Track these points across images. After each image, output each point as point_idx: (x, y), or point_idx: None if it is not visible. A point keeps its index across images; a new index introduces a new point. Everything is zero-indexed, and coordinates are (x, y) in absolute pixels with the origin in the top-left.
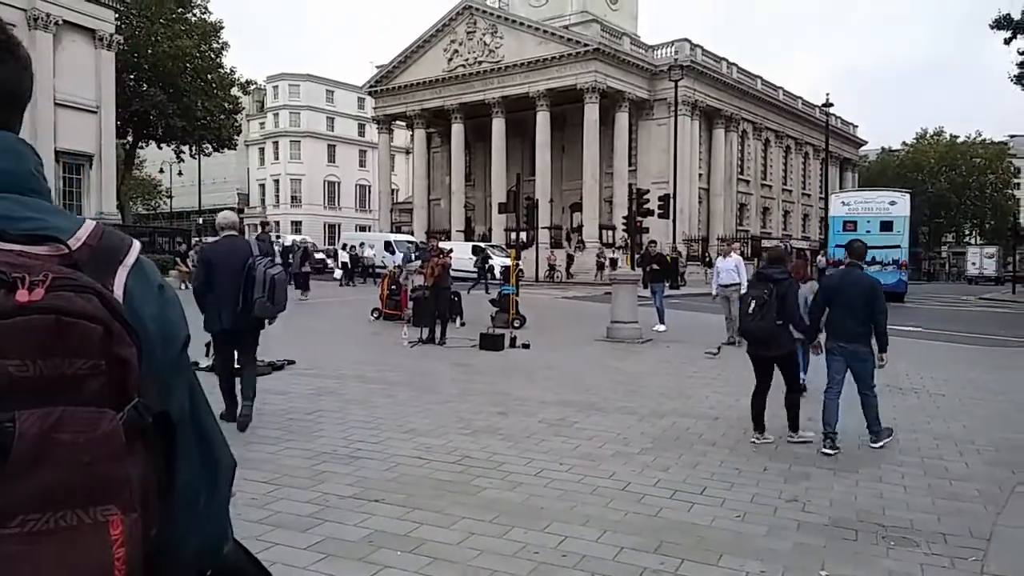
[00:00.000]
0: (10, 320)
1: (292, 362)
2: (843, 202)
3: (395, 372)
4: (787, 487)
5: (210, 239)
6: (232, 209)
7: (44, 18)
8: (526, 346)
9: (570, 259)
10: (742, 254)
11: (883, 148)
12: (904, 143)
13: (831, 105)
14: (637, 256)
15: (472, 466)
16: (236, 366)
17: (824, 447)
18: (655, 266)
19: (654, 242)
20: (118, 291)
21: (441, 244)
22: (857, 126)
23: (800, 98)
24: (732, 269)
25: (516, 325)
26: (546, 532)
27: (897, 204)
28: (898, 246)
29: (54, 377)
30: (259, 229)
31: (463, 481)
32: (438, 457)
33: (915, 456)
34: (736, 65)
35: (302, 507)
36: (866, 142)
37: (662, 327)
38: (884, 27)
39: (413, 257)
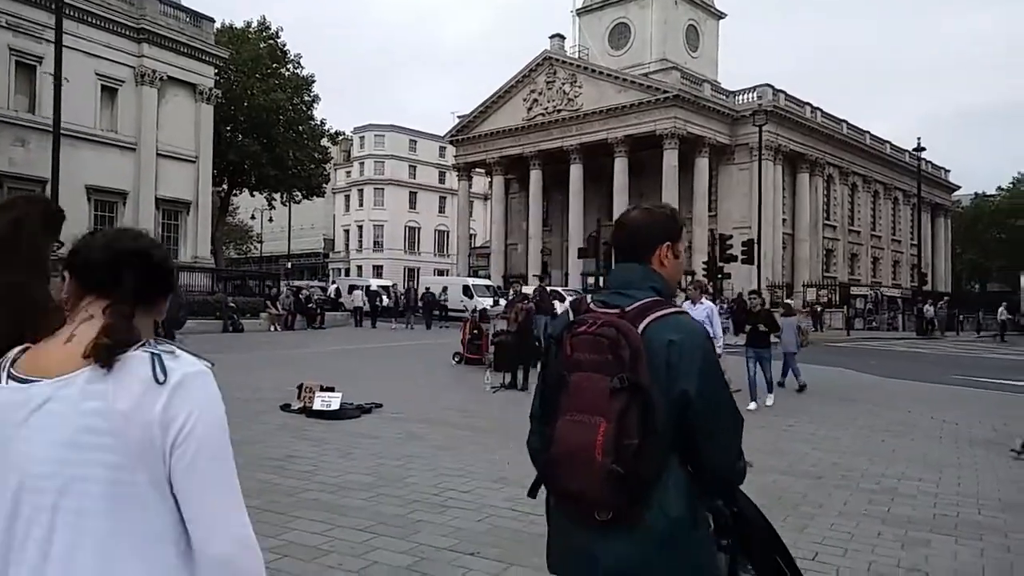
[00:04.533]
0: (580, 337)
1: (379, 405)
2: None
3: (480, 418)
4: (905, 554)
5: (298, 283)
6: (317, 255)
7: (150, 74)
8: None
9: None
10: (781, 304)
11: (977, 194)
12: (1000, 188)
13: (923, 149)
14: (729, 305)
15: None
16: None
17: None
18: (761, 326)
19: (756, 293)
20: (639, 328)
21: (524, 289)
22: (949, 171)
23: (888, 142)
24: (703, 320)
25: None
26: None
27: None
28: None
29: (596, 360)
30: (539, 281)
31: None
32: (530, 510)
33: None
34: (820, 109)
35: (400, 558)
36: (958, 187)
37: (770, 399)
38: (975, 69)
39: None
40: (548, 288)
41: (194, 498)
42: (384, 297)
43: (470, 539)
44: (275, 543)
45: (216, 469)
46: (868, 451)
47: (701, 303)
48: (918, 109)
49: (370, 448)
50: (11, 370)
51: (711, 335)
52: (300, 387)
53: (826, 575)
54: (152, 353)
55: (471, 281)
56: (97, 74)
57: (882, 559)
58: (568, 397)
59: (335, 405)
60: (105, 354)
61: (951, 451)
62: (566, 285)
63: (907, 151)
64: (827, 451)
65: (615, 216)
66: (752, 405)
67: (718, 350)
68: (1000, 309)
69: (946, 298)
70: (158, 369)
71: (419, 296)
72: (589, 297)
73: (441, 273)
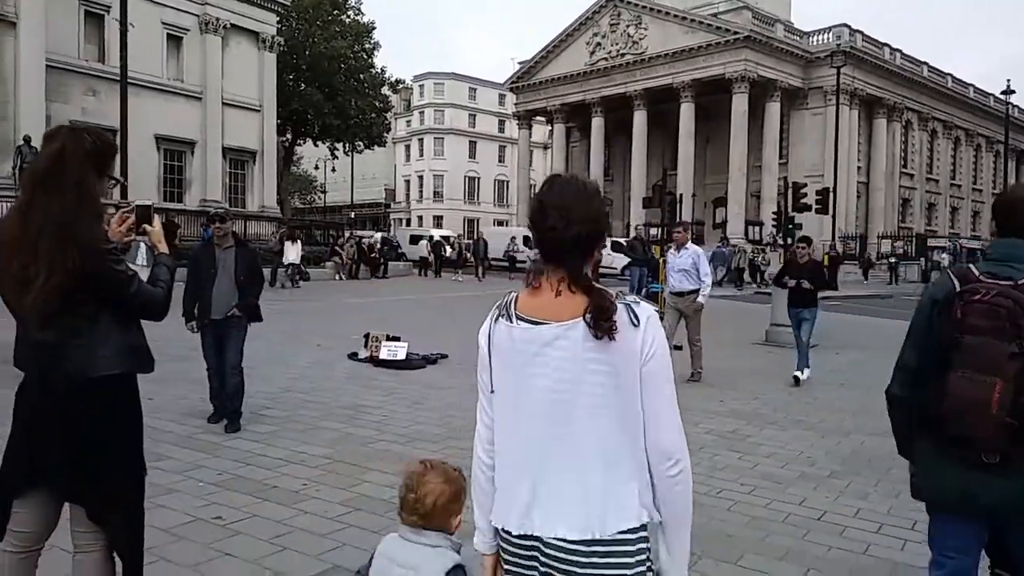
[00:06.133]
0: (974, 304)
1: (445, 356)
2: None
3: None
4: None
5: (360, 233)
6: (379, 205)
7: (214, 22)
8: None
9: None
10: (793, 246)
11: None
12: None
13: (1012, 92)
14: (778, 261)
15: None
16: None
17: None
18: (804, 283)
19: (805, 241)
20: None
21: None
22: None
23: (972, 85)
24: (689, 266)
25: (665, 325)
26: (740, 565)
27: None
28: None
29: (991, 326)
30: (633, 230)
31: None
32: None
33: None
34: (900, 51)
35: (472, 513)
36: None
37: (805, 374)
38: None
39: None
40: (639, 236)
41: (654, 402)
42: (447, 247)
43: None
44: (347, 495)
45: (667, 383)
46: None
47: (686, 248)
48: (1004, 48)
49: (438, 399)
50: (517, 313)
51: (697, 285)
52: (367, 336)
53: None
54: (626, 304)
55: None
56: (162, 23)
57: None
58: (960, 356)
59: (401, 355)
60: (607, 332)
61: None
62: (627, 235)
63: (992, 95)
64: None
65: (680, 163)
66: (802, 374)
67: (701, 298)
68: None
69: None
70: (633, 316)
71: (485, 247)
72: (974, 266)
73: (500, 223)
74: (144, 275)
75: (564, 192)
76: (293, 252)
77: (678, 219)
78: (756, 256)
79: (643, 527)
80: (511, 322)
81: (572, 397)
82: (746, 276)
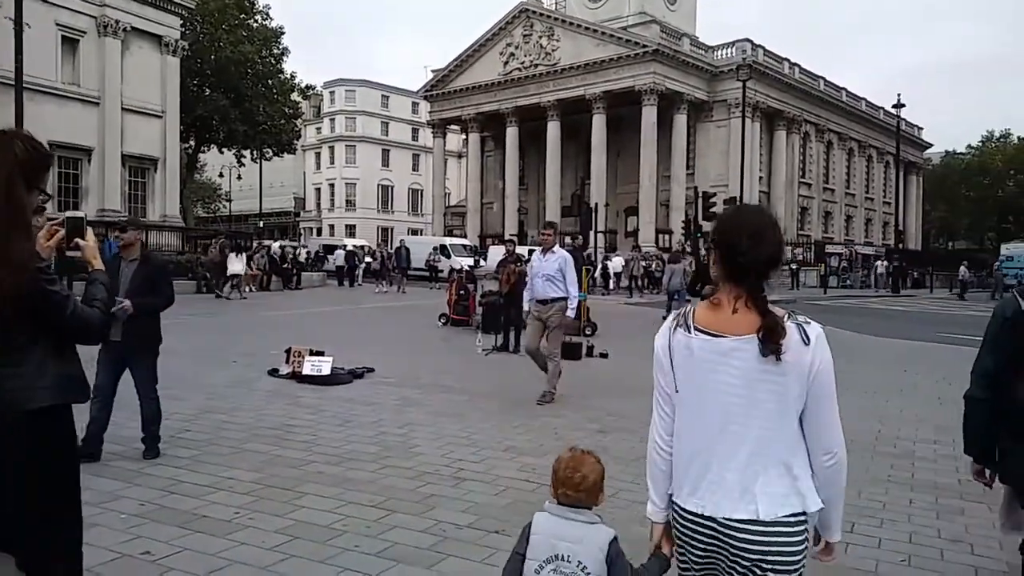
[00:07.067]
0: None
1: (371, 369)
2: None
3: (476, 382)
4: (943, 524)
5: (268, 242)
6: (288, 214)
7: (113, 25)
8: (604, 355)
9: None
10: (680, 251)
11: (947, 151)
12: (969, 146)
13: (902, 106)
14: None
15: None
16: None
17: None
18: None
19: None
20: None
21: (519, 250)
22: (922, 128)
23: (864, 99)
24: (554, 271)
25: (588, 332)
26: None
27: None
28: None
29: None
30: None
31: None
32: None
33: None
34: (798, 65)
35: (419, 538)
36: (931, 145)
37: None
38: (948, 23)
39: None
40: (576, 246)
41: (820, 409)
42: (367, 257)
43: (492, 515)
44: (283, 523)
45: (831, 392)
46: (876, 413)
47: (553, 252)
48: (889, 64)
49: (370, 415)
50: (695, 325)
51: (563, 292)
52: (288, 351)
53: (870, 548)
54: (797, 324)
55: (448, 240)
56: (57, 24)
57: (921, 529)
58: None
59: (326, 370)
60: (774, 352)
61: (954, 413)
62: None
63: (882, 108)
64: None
65: (593, 173)
66: None
67: (570, 311)
68: (961, 268)
69: (965, 261)
70: (804, 335)
71: (407, 256)
72: None
73: (415, 232)
74: None
75: (755, 219)
76: (239, 264)
77: (592, 227)
78: (650, 263)
79: (803, 514)
80: (689, 333)
81: (744, 401)
82: (641, 283)
